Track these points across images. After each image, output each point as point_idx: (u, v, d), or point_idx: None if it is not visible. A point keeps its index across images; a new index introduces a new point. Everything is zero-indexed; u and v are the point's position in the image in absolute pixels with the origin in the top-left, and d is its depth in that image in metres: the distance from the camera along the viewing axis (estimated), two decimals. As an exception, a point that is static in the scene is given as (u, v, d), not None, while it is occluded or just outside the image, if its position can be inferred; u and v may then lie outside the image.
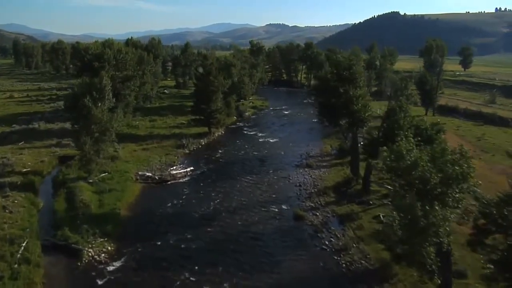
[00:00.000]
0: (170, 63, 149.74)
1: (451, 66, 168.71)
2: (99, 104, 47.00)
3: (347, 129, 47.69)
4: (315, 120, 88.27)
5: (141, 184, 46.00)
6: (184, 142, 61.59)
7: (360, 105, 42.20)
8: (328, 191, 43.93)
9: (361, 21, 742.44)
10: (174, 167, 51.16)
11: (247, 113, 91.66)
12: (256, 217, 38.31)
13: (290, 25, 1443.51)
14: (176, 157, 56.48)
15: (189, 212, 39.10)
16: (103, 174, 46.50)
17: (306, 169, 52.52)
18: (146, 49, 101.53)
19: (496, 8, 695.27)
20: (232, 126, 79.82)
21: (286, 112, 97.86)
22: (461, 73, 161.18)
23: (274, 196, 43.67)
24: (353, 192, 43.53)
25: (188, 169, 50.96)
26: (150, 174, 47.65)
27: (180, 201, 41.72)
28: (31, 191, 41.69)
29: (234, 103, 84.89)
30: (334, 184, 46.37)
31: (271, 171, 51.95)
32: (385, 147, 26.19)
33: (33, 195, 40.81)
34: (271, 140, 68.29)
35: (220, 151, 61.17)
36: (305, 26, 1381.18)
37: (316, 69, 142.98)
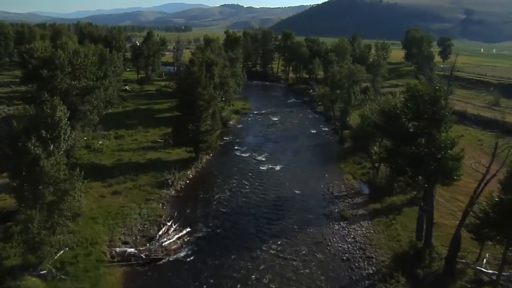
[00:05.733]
0: (127, 47, 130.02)
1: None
2: (51, 148, 31.53)
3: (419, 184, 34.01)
4: (314, 131, 75.59)
5: (121, 267, 30.97)
6: (167, 178, 46.41)
7: (451, 160, 28.60)
8: (394, 273, 30.78)
9: (318, 3, 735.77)
10: (164, 228, 36.34)
11: (231, 122, 76.95)
12: None
13: (245, 6, 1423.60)
14: (161, 205, 41.59)
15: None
16: (62, 252, 31.12)
17: (342, 224, 39.22)
18: (106, 41, 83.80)
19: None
20: (219, 143, 64.60)
21: (274, 119, 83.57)
22: (442, 65, 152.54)
23: (321, 285, 30.04)
24: (432, 276, 30.69)
25: (184, 231, 36.29)
26: (132, 250, 32.46)
27: (186, 306, 27.32)
28: None
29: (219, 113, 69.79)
30: (394, 256, 33.37)
31: (296, 229, 38.18)
32: None
33: None
34: (275, 168, 53.97)
35: (216, 190, 46.47)
36: (260, 7, 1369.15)
37: (297, 62, 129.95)
